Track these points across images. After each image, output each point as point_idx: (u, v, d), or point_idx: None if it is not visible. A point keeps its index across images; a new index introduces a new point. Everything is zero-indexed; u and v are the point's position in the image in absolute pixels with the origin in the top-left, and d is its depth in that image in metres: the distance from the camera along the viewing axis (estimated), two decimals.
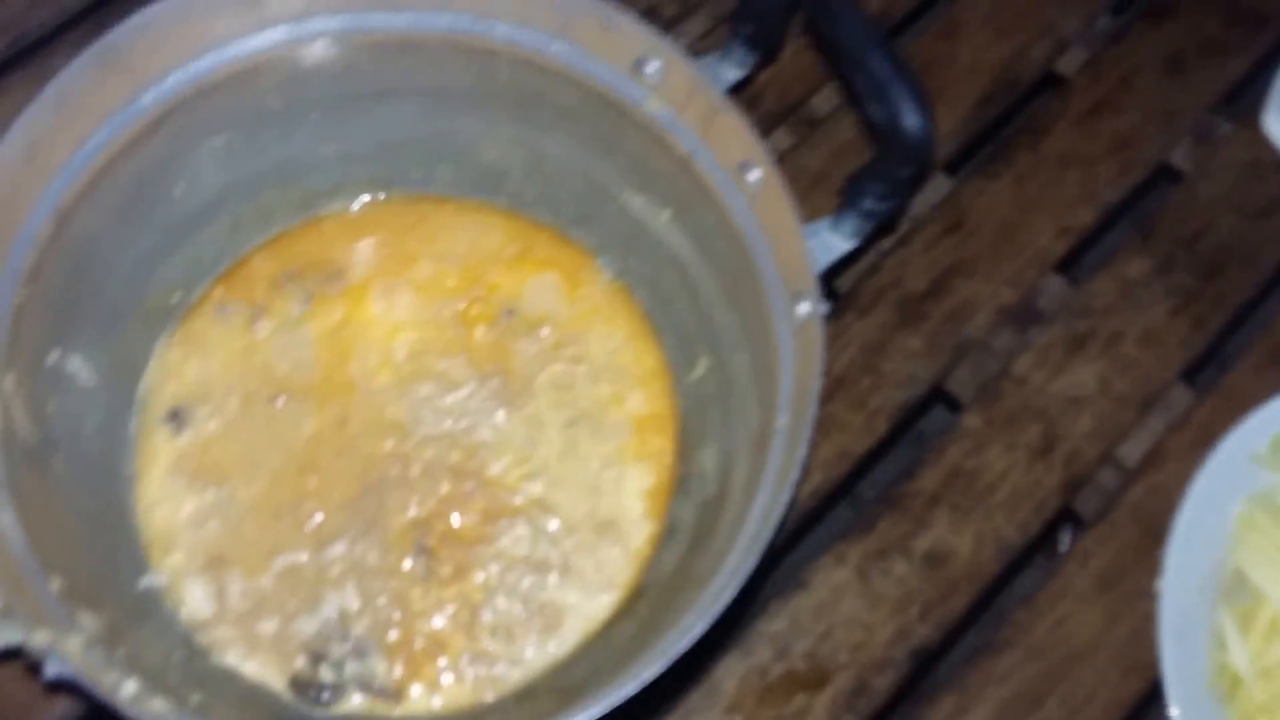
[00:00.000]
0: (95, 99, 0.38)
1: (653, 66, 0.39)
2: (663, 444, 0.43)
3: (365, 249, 0.46)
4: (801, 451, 0.33)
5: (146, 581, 0.39)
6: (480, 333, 0.45)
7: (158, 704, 0.31)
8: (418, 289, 0.46)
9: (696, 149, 0.40)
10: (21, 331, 0.36)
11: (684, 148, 0.40)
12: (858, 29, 0.37)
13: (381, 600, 0.39)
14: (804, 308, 0.36)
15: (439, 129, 0.46)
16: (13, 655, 0.30)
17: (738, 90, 0.39)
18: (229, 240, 0.45)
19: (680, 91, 0.39)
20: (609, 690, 0.31)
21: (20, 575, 0.32)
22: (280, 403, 0.43)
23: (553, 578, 0.40)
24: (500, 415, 0.43)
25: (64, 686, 0.30)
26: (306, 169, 0.45)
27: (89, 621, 0.34)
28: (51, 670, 0.30)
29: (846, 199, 0.37)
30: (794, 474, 0.33)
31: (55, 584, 0.33)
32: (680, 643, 0.31)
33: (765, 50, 0.40)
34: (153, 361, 0.43)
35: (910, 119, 0.35)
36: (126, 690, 0.31)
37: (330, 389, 0.43)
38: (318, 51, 0.42)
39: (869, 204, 0.36)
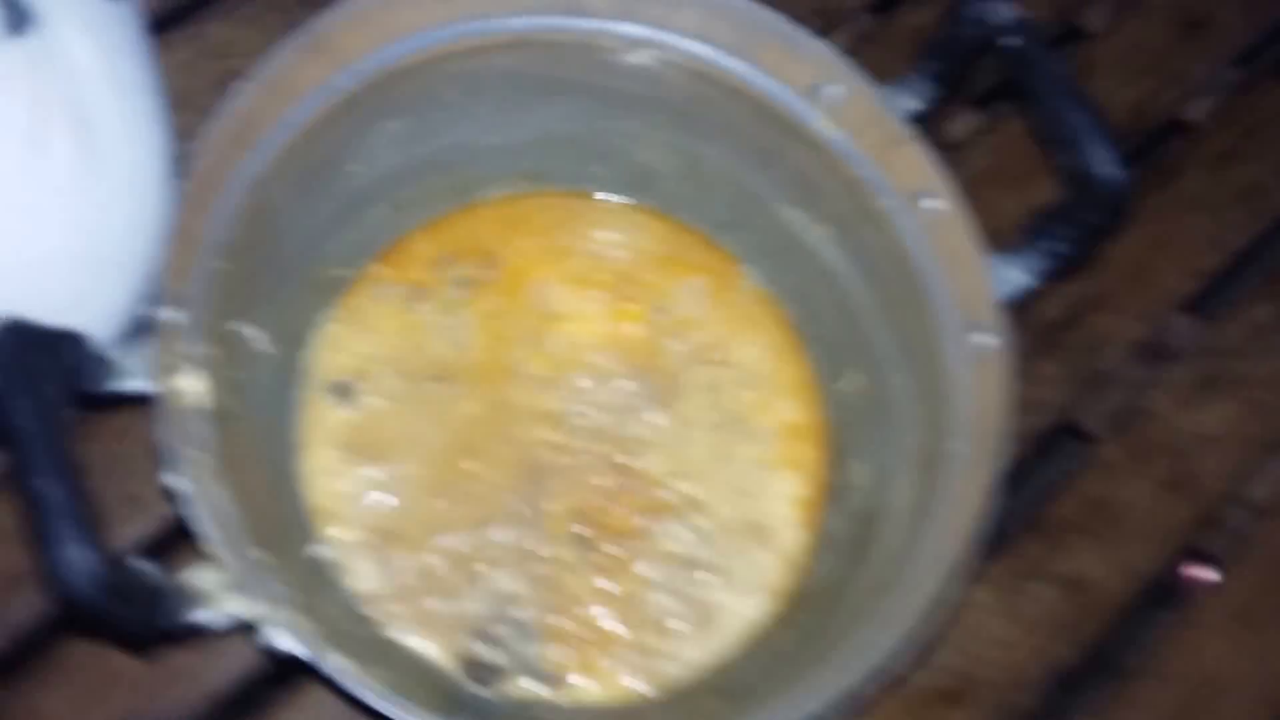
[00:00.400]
0: (298, 78, 0.38)
1: (832, 90, 0.40)
2: (812, 453, 0.44)
3: (520, 239, 0.47)
4: (988, 479, 0.34)
5: (312, 550, 0.40)
6: (630, 329, 0.46)
7: (376, 674, 0.32)
8: (571, 281, 0.47)
9: (869, 173, 0.41)
10: (220, 302, 0.37)
11: (855, 171, 0.41)
12: (1054, 76, 0.38)
13: (543, 586, 0.41)
14: (983, 338, 0.37)
15: (599, 128, 0.46)
16: (244, 629, 0.31)
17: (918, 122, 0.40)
18: (390, 221, 0.46)
19: (859, 118, 0.40)
20: (796, 695, 0.33)
21: (239, 548, 0.32)
22: (439, 384, 0.44)
23: (707, 576, 0.42)
24: (651, 412, 0.45)
25: (277, 658, 0.31)
26: (469, 157, 0.46)
27: (283, 593, 0.34)
28: (277, 643, 0.31)
29: (1031, 236, 0.38)
30: (983, 501, 0.34)
31: (255, 555, 0.34)
32: (871, 655, 0.33)
33: (949, 87, 0.41)
34: (317, 335, 0.44)
35: (1107, 169, 0.36)
36: (333, 661, 0.32)
37: (488, 374, 0.44)
38: (501, 47, 0.42)
39: (1054, 245, 0.37)
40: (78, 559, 0.27)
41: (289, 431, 0.42)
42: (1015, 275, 0.38)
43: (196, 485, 0.32)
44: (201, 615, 0.31)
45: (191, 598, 0.31)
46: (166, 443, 0.32)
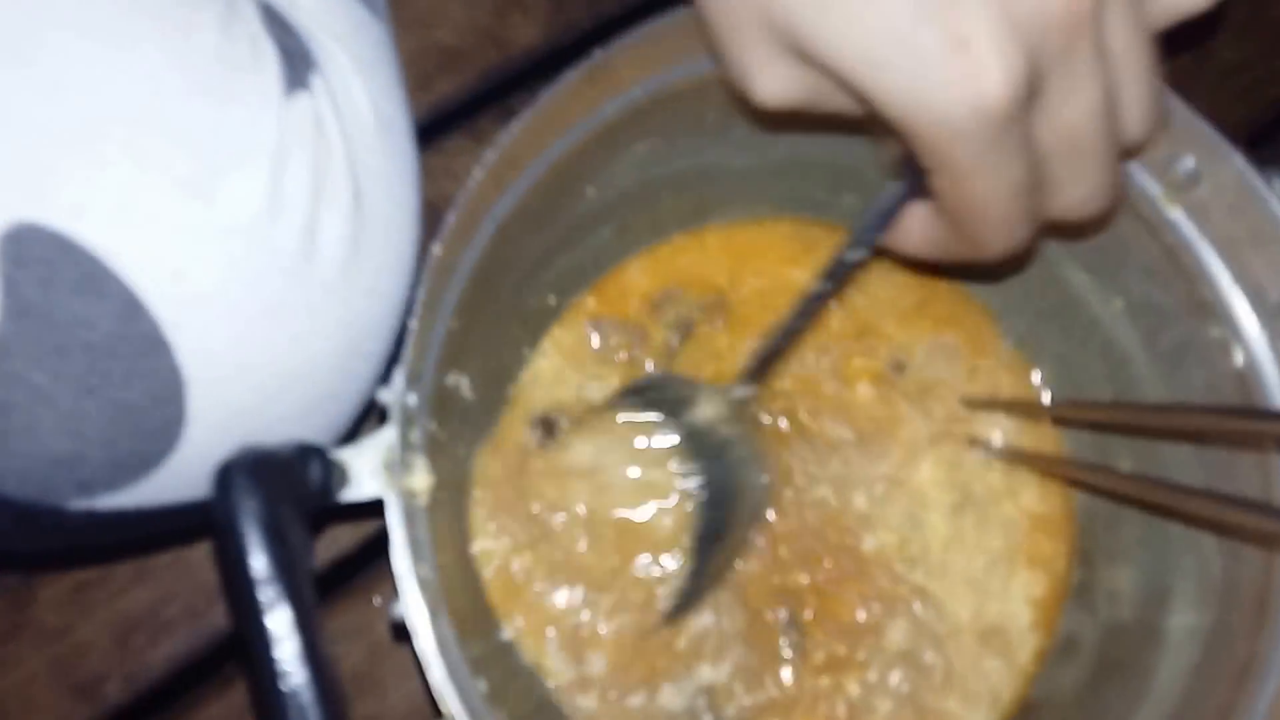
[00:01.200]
0: (569, 111, 0.33)
1: (1186, 166, 0.34)
2: (1056, 548, 0.40)
3: (749, 275, 0.42)
4: None
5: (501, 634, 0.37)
6: (864, 389, 0.41)
7: None
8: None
9: (1216, 269, 0.34)
10: (443, 364, 0.33)
11: (1195, 261, 0.35)
12: None
13: (751, 679, 0.38)
14: None
15: (857, 156, 0.40)
16: None
17: None
18: (613, 246, 0.41)
19: (1218, 205, 0.34)
20: None
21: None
22: (640, 441, 0.40)
23: (935, 681, 0.38)
24: (880, 486, 0.40)
25: None
26: (709, 179, 0.40)
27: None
28: None
29: None
30: None
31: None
32: None
33: None
34: (523, 370, 0.40)
35: None
36: None
37: None
38: None
39: None
40: None
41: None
42: None
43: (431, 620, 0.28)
44: None
45: None
46: (402, 569, 0.28)
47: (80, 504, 0.27)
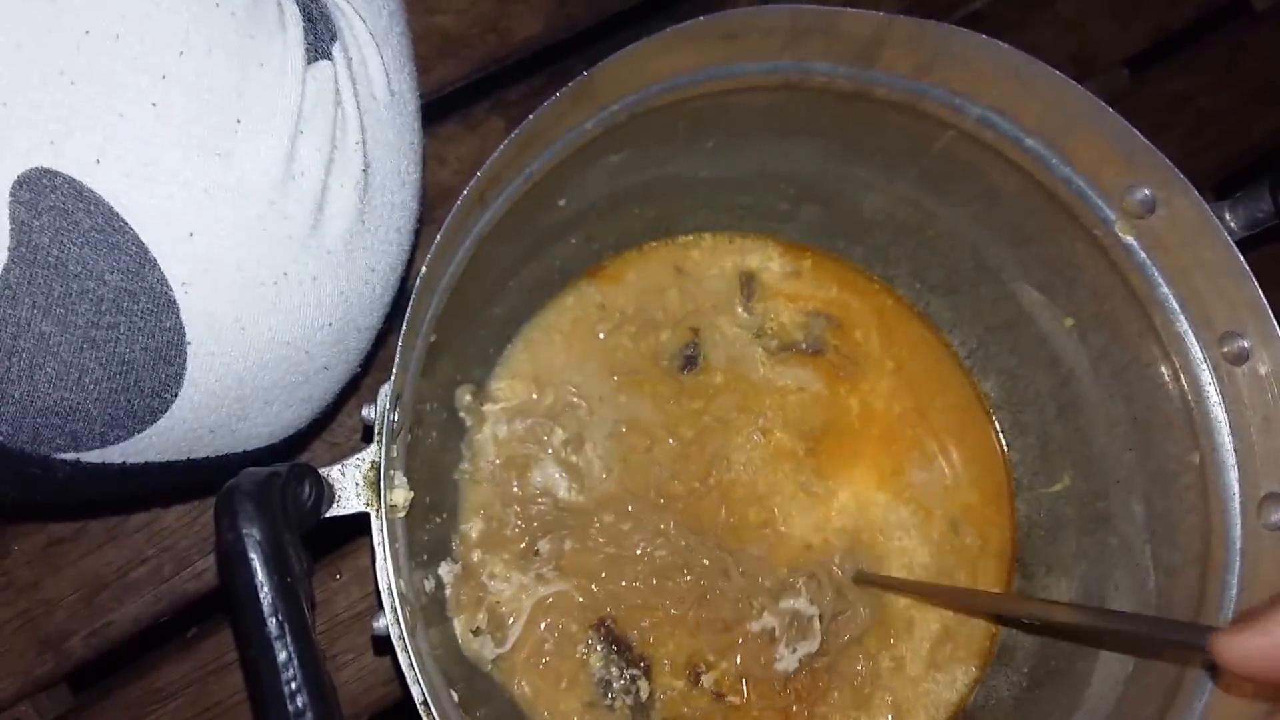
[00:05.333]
0: (552, 129, 0.33)
1: (1142, 194, 0.35)
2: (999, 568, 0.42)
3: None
4: None
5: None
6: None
7: None
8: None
9: (1165, 295, 0.36)
10: (418, 380, 0.33)
11: (1146, 286, 0.36)
12: None
13: None
14: None
15: (829, 171, 0.41)
16: None
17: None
18: (578, 253, 0.41)
19: (1172, 234, 0.35)
20: None
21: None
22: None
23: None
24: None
25: None
26: (676, 188, 0.41)
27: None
28: None
29: None
30: None
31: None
32: None
33: None
34: (497, 370, 0.41)
35: None
36: None
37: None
38: (751, 88, 0.37)
39: None
40: None
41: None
42: None
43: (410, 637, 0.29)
44: None
45: None
46: (384, 584, 0.28)
47: (68, 455, 0.26)
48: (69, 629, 0.39)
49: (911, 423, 0.43)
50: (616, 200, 0.40)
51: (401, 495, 0.30)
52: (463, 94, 0.47)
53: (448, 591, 0.38)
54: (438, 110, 0.46)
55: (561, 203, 0.38)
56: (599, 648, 0.38)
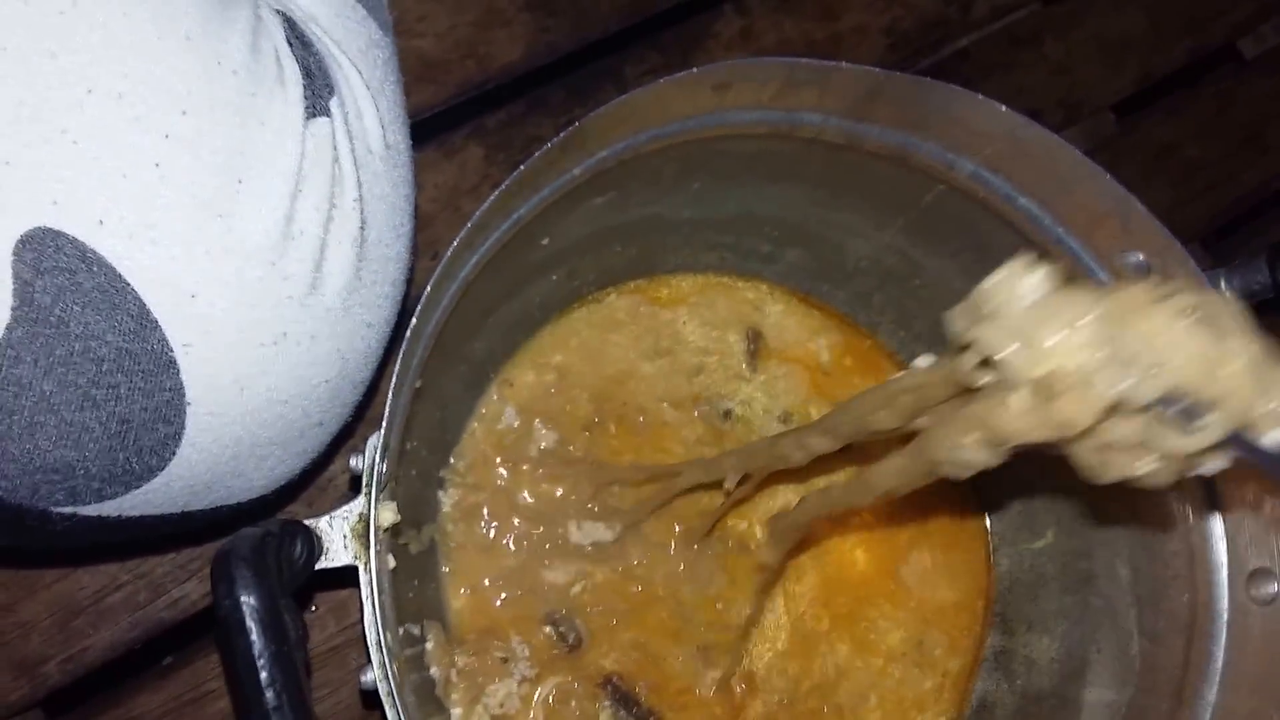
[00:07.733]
0: (541, 176, 0.32)
1: (1136, 260, 0.34)
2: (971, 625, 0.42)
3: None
4: None
5: None
6: None
7: None
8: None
9: None
10: (404, 428, 0.32)
11: None
12: None
13: None
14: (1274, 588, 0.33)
15: (813, 216, 0.41)
16: None
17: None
18: (558, 290, 0.41)
19: None
20: None
21: None
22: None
23: None
24: None
25: None
26: (659, 229, 0.40)
27: None
28: None
29: None
30: None
31: None
32: None
33: None
34: (473, 420, 0.40)
35: None
36: None
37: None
38: (740, 135, 0.36)
39: None
40: None
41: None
42: None
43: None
44: None
45: None
46: (373, 639, 0.27)
47: (66, 509, 0.27)
48: (44, 654, 0.39)
49: None
50: (599, 239, 0.39)
51: (389, 516, 0.29)
52: (441, 119, 0.46)
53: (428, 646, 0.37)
54: (415, 136, 0.45)
55: (545, 242, 0.37)
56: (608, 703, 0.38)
